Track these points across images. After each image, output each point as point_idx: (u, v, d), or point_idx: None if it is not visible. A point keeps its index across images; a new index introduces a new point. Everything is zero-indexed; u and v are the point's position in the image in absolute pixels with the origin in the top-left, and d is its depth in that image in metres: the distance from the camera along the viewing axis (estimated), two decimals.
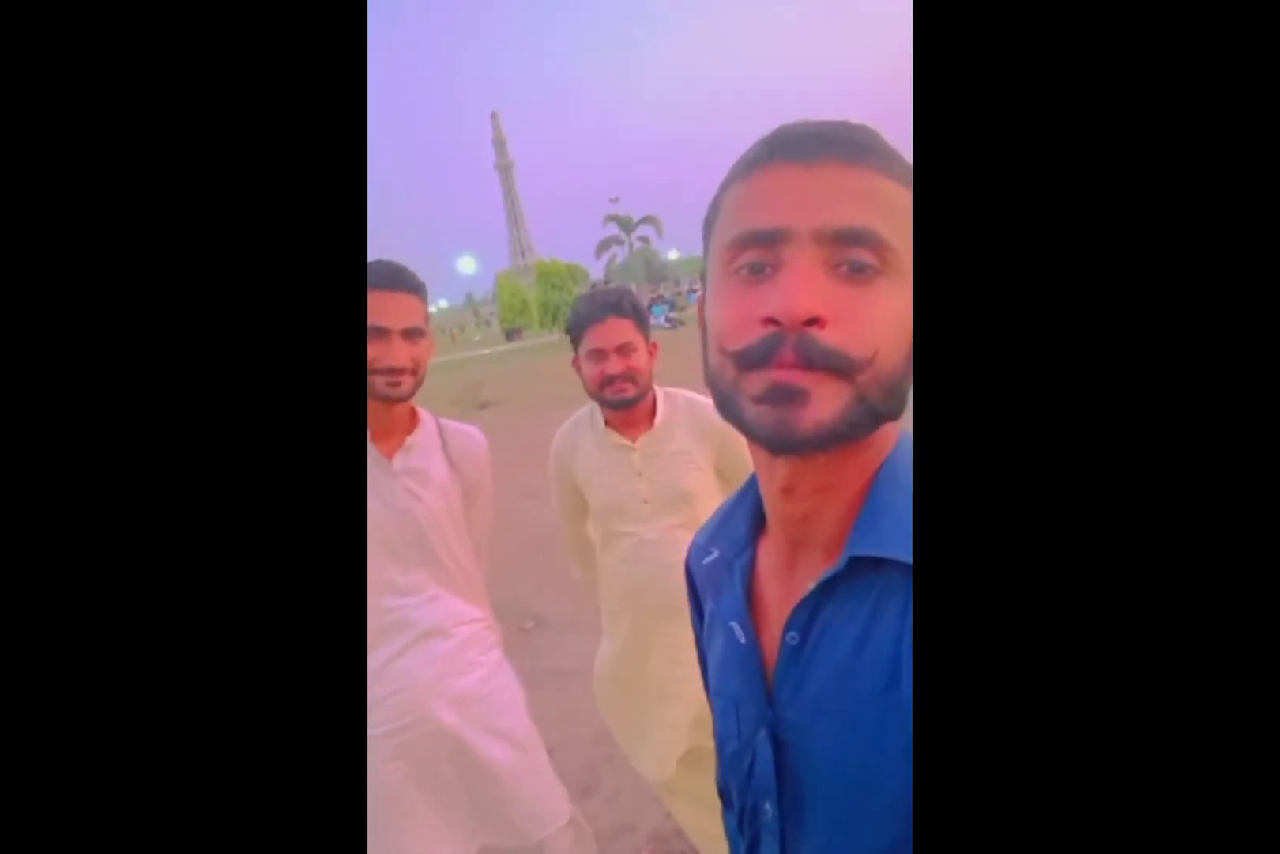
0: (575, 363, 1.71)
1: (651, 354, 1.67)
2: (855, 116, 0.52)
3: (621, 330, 1.61)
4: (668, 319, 23.55)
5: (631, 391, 1.61)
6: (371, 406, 1.38)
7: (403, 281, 1.37)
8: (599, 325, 1.61)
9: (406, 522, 1.41)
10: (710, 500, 1.70)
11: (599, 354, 1.61)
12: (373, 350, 1.32)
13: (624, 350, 1.60)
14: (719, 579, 0.65)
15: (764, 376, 0.48)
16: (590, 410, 1.75)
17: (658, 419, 1.68)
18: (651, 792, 2.24)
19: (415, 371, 1.37)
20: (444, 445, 1.52)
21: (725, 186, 0.52)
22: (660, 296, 32.42)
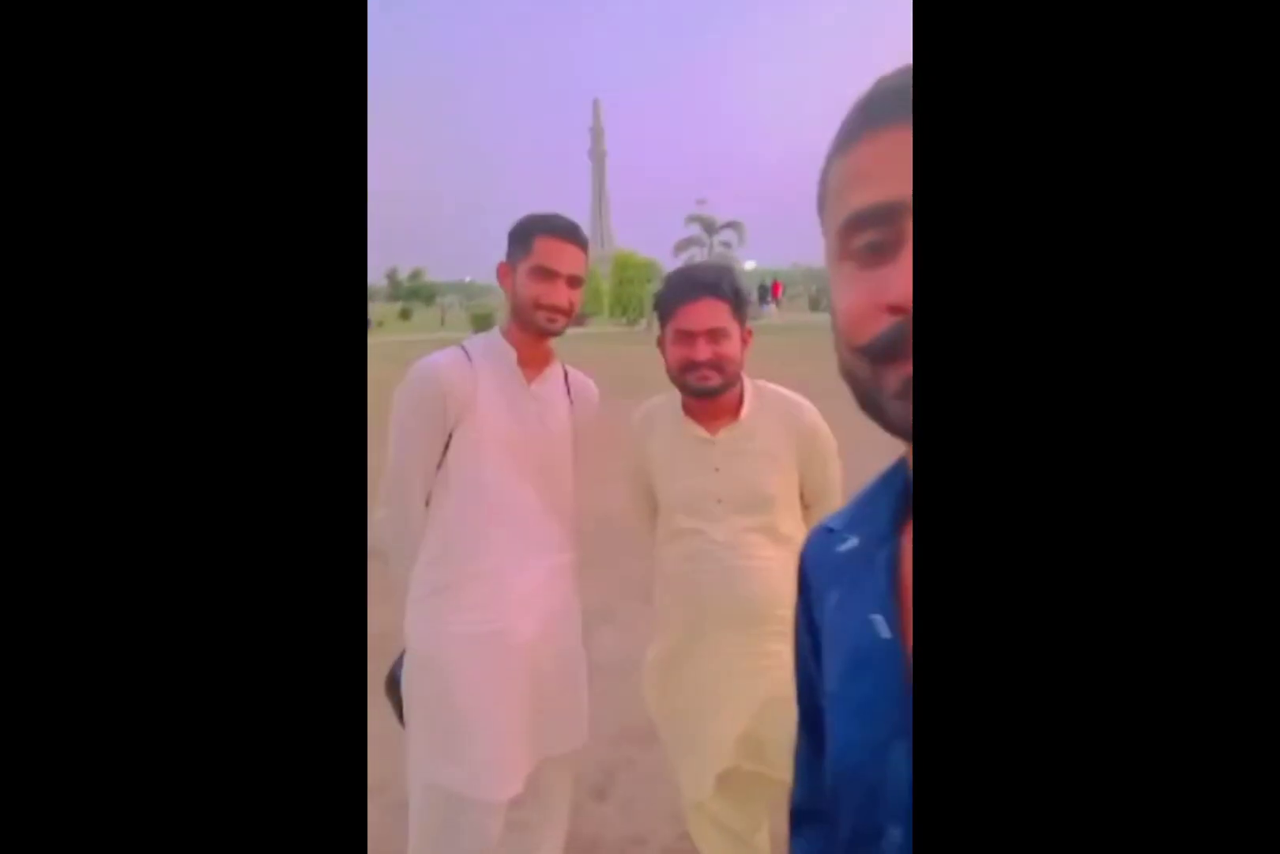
0: (660, 342, 1.59)
1: (745, 342, 1.54)
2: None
3: (715, 313, 1.48)
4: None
5: (716, 380, 1.49)
6: (524, 337, 1.59)
7: (577, 235, 1.57)
8: (691, 305, 1.48)
9: (532, 443, 1.58)
10: (788, 507, 1.57)
11: (687, 336, 1.49)
12: (540, 288, 1.52)
13: (715, 335, 1.48)
14: (855, 569, 0.58)
15: (899, 371, 0.43)
16: (671, 396, 1.63)
17: (744, 413, 1.56)
18: (670, 806, 2.13)
19: (570, 313, 1.56)
20: (568, 386, 1.69)
21: (828, 163, 0.48)
22: None
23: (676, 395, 1.60)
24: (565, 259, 1.53)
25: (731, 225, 43.23)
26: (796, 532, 1.58)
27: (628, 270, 33.09)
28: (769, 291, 34.04)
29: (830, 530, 0.62)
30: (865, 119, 0.45)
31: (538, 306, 1.52)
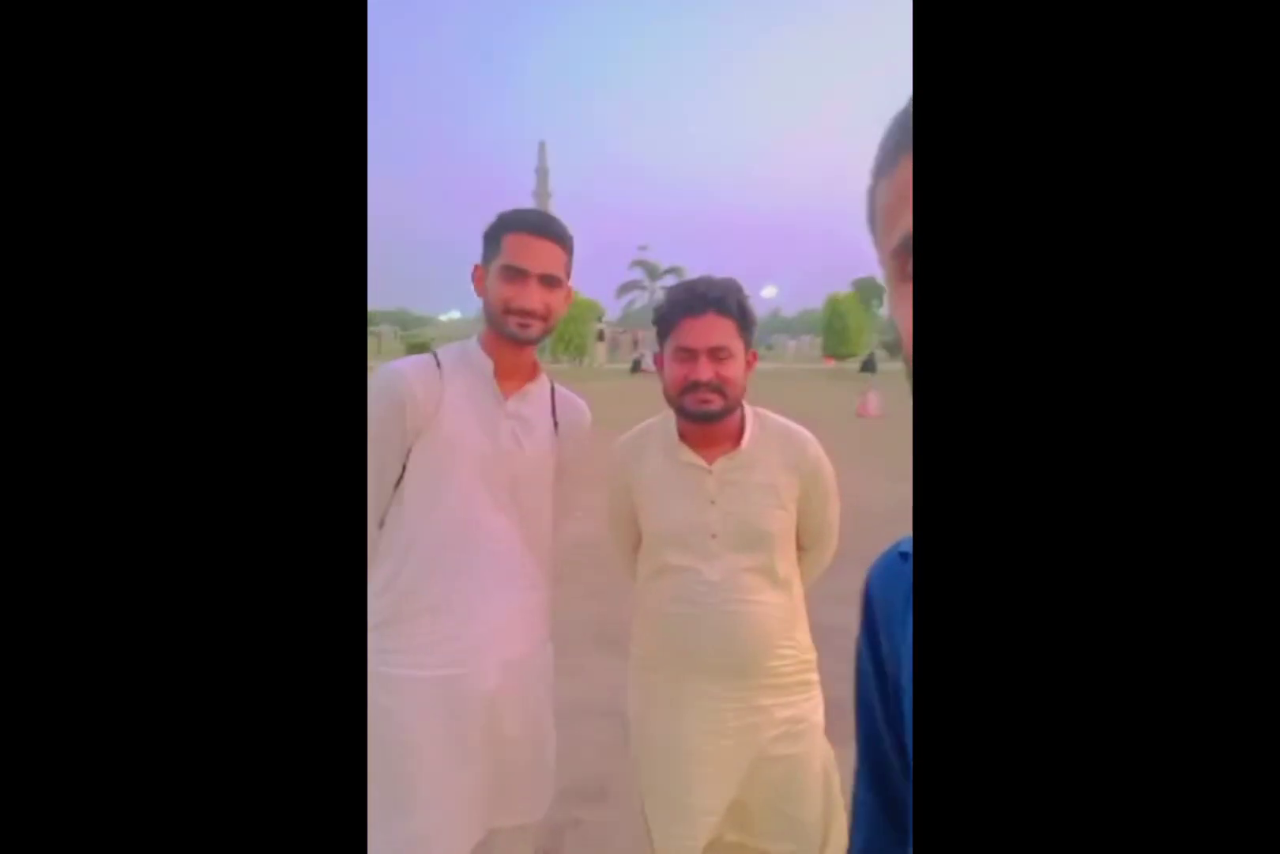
0: (658, 360, 1.46)
1: (749, 364, 1.42)
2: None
3: (720, 330, 1.36)
4: None
5: (717, 404, 1.36)
6: (500, 346, 1.41)
7: (549, 229, 1.38)
8: (694, 320, 1.36)
9: (505, 464, 1.39)
10: (786, 547, 1.44)
11: (687, 354, 1.36)
12: (509, 290, 1.35)
13: (718, 354, 1.35)
14: None
15: None
16: (664, 419, 1.50)
17: (744, 441, 1.43)
18: None
19: (547, 317, 1.38)
20: (554, 406, 1.49)
21: (875, 181, 0.47)
22: None
23: (670, 418, 1.46)
24: (537, 256, 1.36)
25: (673, 270, 43.99)
26: (793, 574, 1.45)
27: (571, 308, 33.14)
28: None
29: (905, 555, 0.57)
30: (905, 136, 0.44)
31: (508, 311, 1.35)
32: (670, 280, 43.87)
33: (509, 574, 1.39)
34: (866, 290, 40.67)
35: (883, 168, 0.45)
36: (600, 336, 28.94)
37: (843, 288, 39.60)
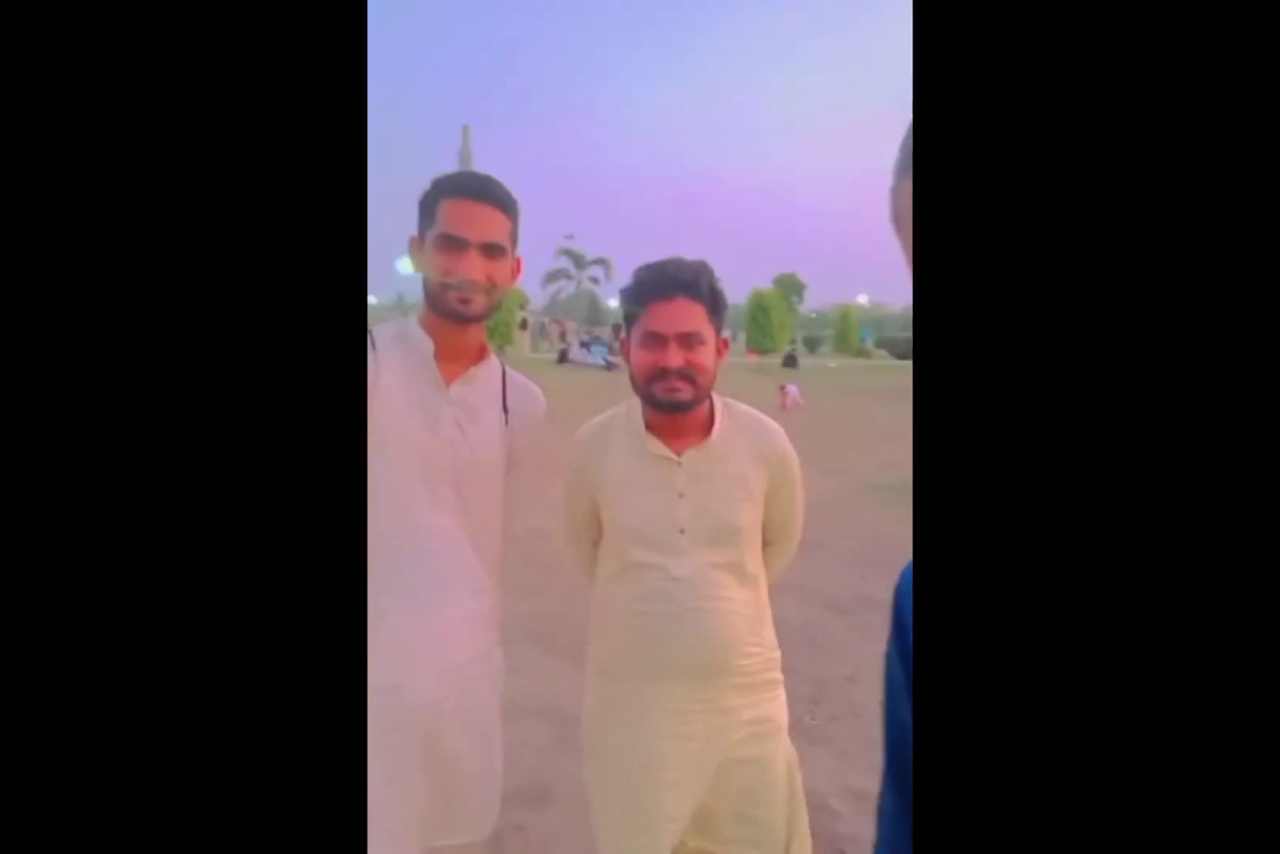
0: (624, 346, 1.38)
1: (721, 351, 1.36)
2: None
3: (690, 315, 1.29)
4: (605, 360, 23.34)
5: (687, 393, 1.29)
6: (440, 325, 1.28)
7: (488, 193, 1.25)
8: (664, 304, 1.28)
9: (446, 456, 1.27)
10: (755, 542, 1.39)
11: (656, 339, 1.29)
12: (445, 261, 1.23)
13: (688, 340, 1.28)
14: None
15: None
16: (628, 408, 1.42)
17: (714, 432, 1.36)
18: None
19: (490, 291, 1.26)
20: (504, 392, 1.36)
21: (897, 181, 0.47)
22: (598, 337, 32.35)
23: (636, 407, 1.39)
24: (475, 223, 1.22)
25: (600, 261, 43.82)
26: (760, 570, 1.40)
27: None
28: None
29: None
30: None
31: (446, 285, 1.23)
32: (597, 271, 43.73)
33: (451, 577, 1.27)
34: (788, 286, 41.44)
35: (906, 167, 0.45)
36: (524, 325, 28.54)
37: (765, 283, 40.27)
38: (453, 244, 1.22)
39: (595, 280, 44.00)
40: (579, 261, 43.63)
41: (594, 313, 42.64)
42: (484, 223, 1.24)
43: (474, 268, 1.22)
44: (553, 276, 43.16)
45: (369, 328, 1.31)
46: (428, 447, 1.25)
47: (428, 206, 1.26)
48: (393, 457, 1.22)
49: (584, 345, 27.28)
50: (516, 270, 1.32)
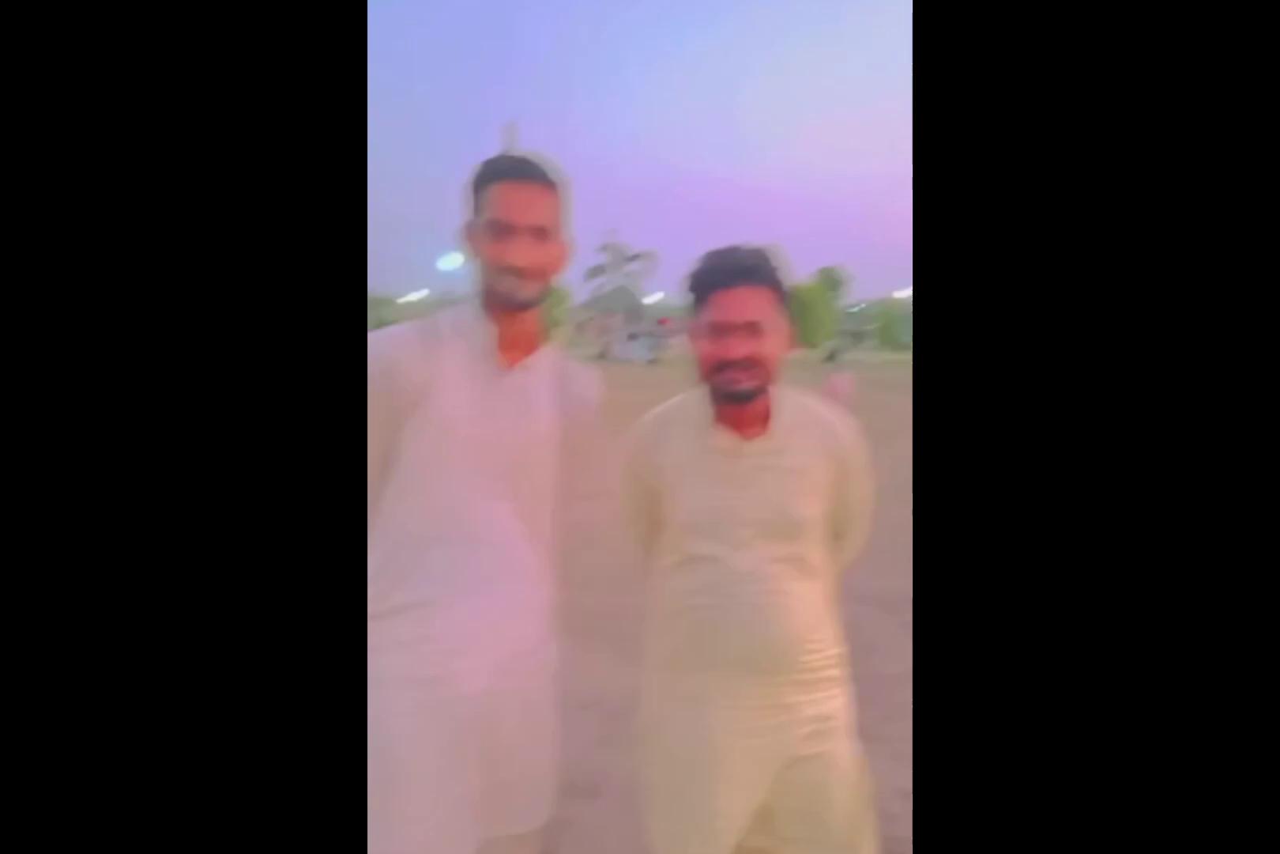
0: (691, 333, 1.35)
1: (787, 340, 1.33)
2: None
3: (755, 303, 1.26)
4: (650, 354, 23.31)
5: (749, 383, 1.26)
6: (496, 312, 1.26)
7: (534, 172, 1.22)
8: (726, 293, 1.26)
9: (503, 446, 1.25)
10: (820, 536, 1.36)
11: (720, 329, 1.26)
12: (496, 248, 1.20)
13: (753, 329, 1.25)
14: None
15: None
16: (690, 398, 1.40)
17: (778, 423, 1.34)
18: None
19: (542, 275, 1.24)
20: (561, 379, 1.34)
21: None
22: (640, 332, 32.30)
23: (698, 397, 1.36)
24: (524, 206, 1.20)
25: (642, 256, 43.76)
26: (824, 564, 1.37)
27: None
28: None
29: None
30: None
31: (499, 270, 1.21)
32: (639, 265, 43.69)
33: (505, 567, 1.26)
34: (830, 280, 40.92)
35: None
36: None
37: (806, 278, 39.82)
38: (502, 230, 1.21)
39: (637, 275, 43.99)
40: (620, 255, 43.64)
41: (635, 307, 42.63)
42: (532, 205, 1.22)
43: (524, 253, 1.20)
44: (595, 271, 43.26)
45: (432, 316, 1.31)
46: (485, 436, 1.24)
47: (477, 192, 1.25)
48: (451, 446, 1.22)
49: (632, 337, 27.22)
50: (564, 252, 1.30)
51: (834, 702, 1.36)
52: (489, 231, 1.22)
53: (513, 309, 1.25)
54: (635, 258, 43.55)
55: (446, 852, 1.22)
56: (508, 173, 1.22)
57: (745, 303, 1.25)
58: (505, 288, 1.22)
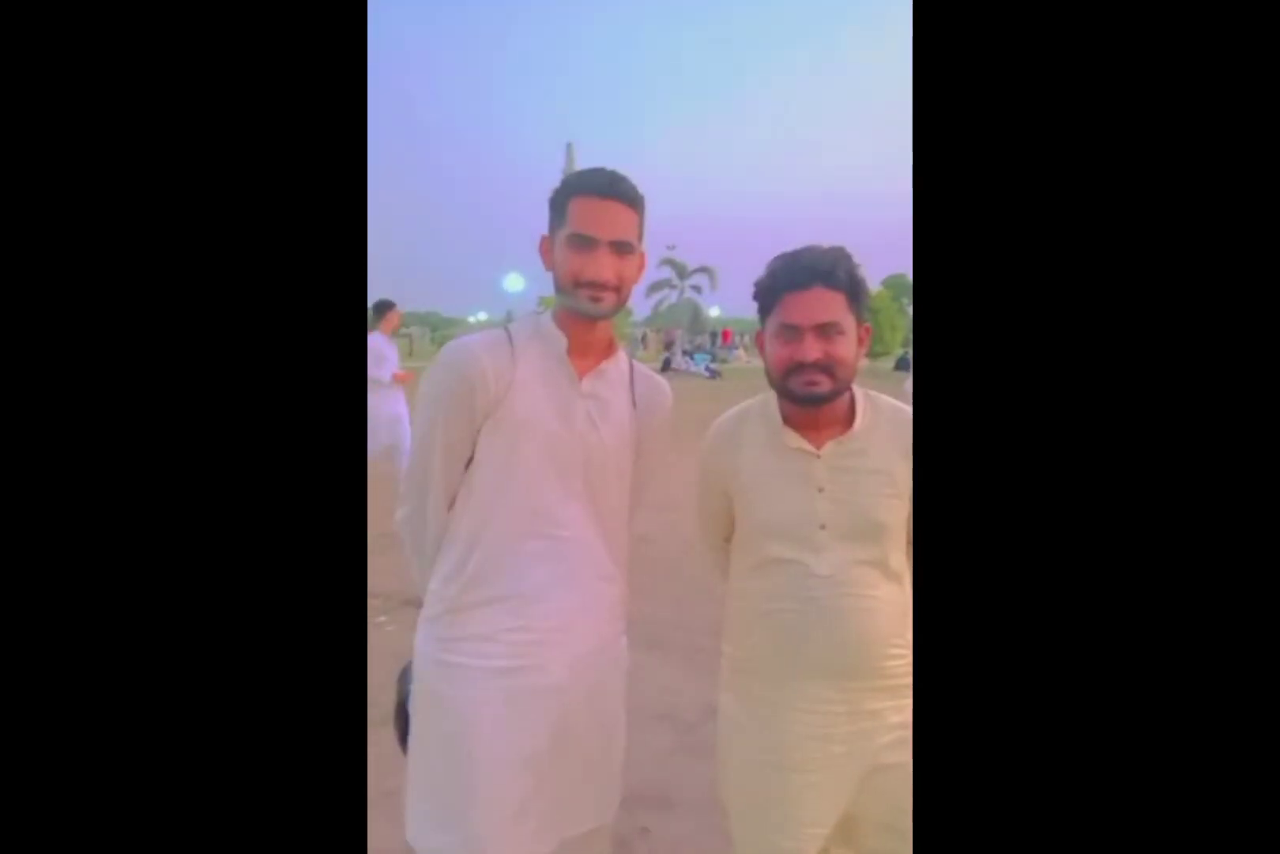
0: (759, 339, 1.35)
1: (862, 341, 1.30)
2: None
3: (828, 305, 1.24)
4: (708, 368, 23.30)
5: (826, 386, 1.24)
6: (572, 321, 1.31)
7: (617, 189, 1.26)
8: (799, 295, 1.24)
9: (578, 448, 1.30)
10: (900, 538, 1.32)
11: (792, 332, 1.25)
12: (578, 260, 1.25)
13: (826, 331, 1.24)
14: None
15: None
16: (764, 400, 1.38)
17: (856, 424, 1.31)
18: None
19: (620, 289, 1.28)
20: (632, 385, 1.39)
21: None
22: (700, 346, 32.26)
23: (772, 399, 1.35)
24: (605, 221, 1.24)
25: (704, 270, 43.81)
26: (906, 567, 1.34)
27: None
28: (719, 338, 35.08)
29: None
30: None
31: (578, 283, 1.25)
32: (700, 280, 43.73)
33: (580, 564, 1.30)
34: (897, 288, 40.25)
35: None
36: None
37: (873, 286, 39.13)
38: (584, 243, 1.25)
39: (698, 289, 44.05)
40: (681, 271, 43.77)
41: (698, 321, 42.69)
42: (614, 220, 1.26)
43: (604, 268, 1.25)
44: (656, 287, 43.50)
45: (505, 326, 1.35)
46: (561, 439, 1.28)
47: (558, 205, 1.29)
48: (527, 448, 1.26)
49: (686, 354, 27.30)
50: (641, 265, 1.34)
51: None
52: (572, 245, 1.26)
53: (590, 319, 1.30)
54: (697, 271, 43.62)
55: (519, 841, 1.24)
56: (592, 187, 1.26)
57: (818, 304, 1.24)
58: (585, 299, 1.26)
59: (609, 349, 1.37)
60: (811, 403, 1.26)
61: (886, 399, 1.37)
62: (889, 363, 27.21)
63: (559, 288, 1.30)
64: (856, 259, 1.31)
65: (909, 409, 1.37)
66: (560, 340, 1.31)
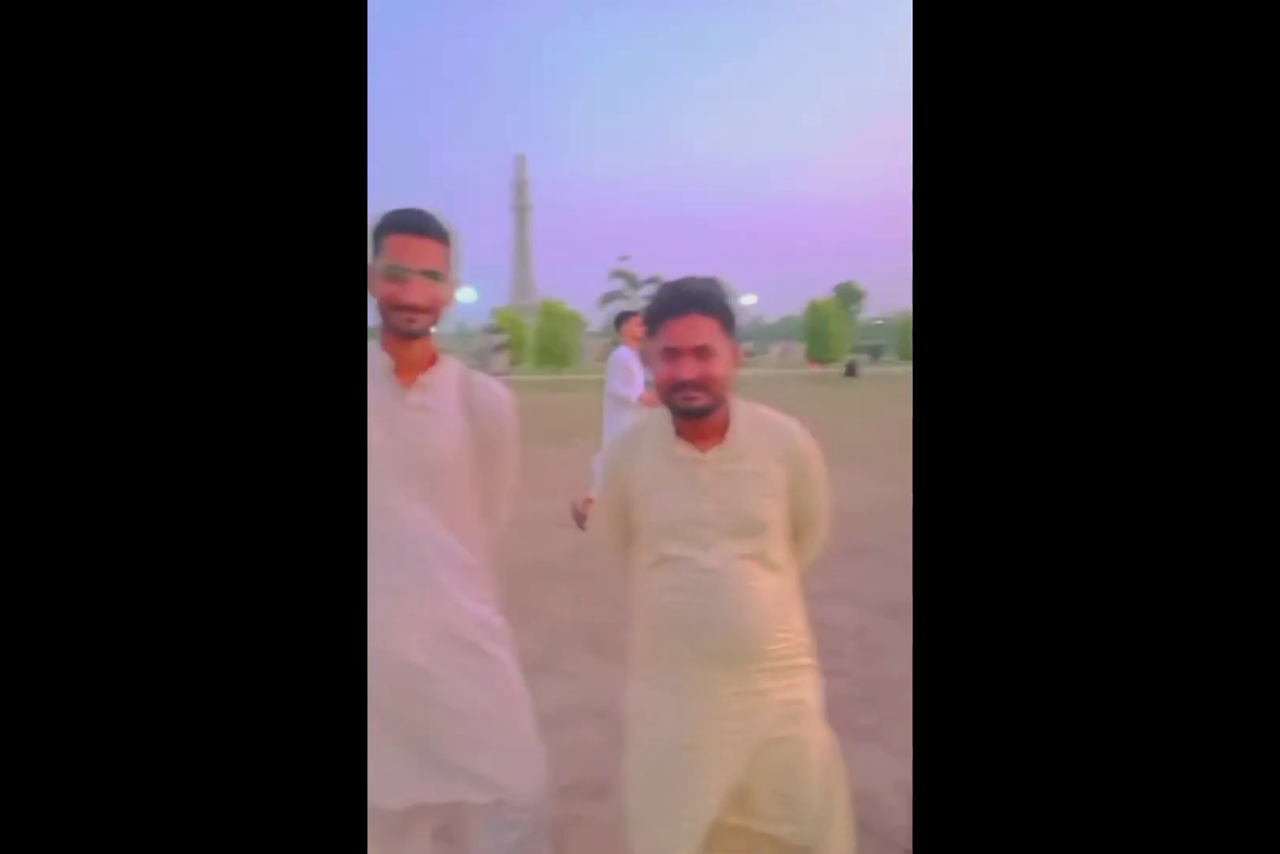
0: (646, 358, 1.50)
1: (734, 361, 1.47)
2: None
3: (702, 330, 1.41)
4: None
5: (702, 401, 1.41)
6: (393, 341, 1.51)
7: (426, 228, 1.47)
8: (678, 321, 1.41)
9: (412, 455, 1.47)
10: (780, 534, 1.48)
11: (673, 354, 1.41)
12: (391, 288, 1.45)
13: (702, 353, 1.40)
14: None
15: None
16: (661, 413, 1.54)
17: (731, 432, 1.47)
18: None
19: (432, 311, 1.48)
20: (464, 393, 1.56)
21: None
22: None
23: (665, 414, 1.50)
24: (415, 254, 1.44)
25: (654, 280, 44.07)
26: (786, 561, 1.49)
27: (555, 319, 33.10)
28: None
29: None
30: None
31: (393, 307, 1.45)
32: (652, 291, 44.02)
33: (433, 555, 1.48)
34: (847, 295, 40.96)
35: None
36: (499, 348, 29.11)
37: (824, 293, 39.92)
38: (398, 273, 1.44)
39: (649, 299, 44.39)
40: (633, 282, 44.04)
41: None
42: (423, 253, 1.45)
43: (416, 293, 1.44)
44: (608, 298, 43.66)
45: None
46: (391, 449, 1.45)
47: (376, 239, 1.48)
48: (372, 461, 1.43)
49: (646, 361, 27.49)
50: (452, 289, 1.52)
51: (804, 687, 1.47)
52: (387, 274, 1.45)
53: (409, 338, 1.49)
54: (648, 282, 43.92)
55: (397, 778, 1.41)
56: (404, 226, 1.46)
57: (694, 329, 1.40)
58: (401, 321, 1.46)
59: (430, 362, 1.55)
60: (691, 415, 1.42)
61: (765, 409, 1.53)
62: (839, 369, 27.68)
63: (379, 312, 1.49)
64: (732, 286, 1.47)
65: (785, 418, 1.53)
66: (385, 361, 1.49)
